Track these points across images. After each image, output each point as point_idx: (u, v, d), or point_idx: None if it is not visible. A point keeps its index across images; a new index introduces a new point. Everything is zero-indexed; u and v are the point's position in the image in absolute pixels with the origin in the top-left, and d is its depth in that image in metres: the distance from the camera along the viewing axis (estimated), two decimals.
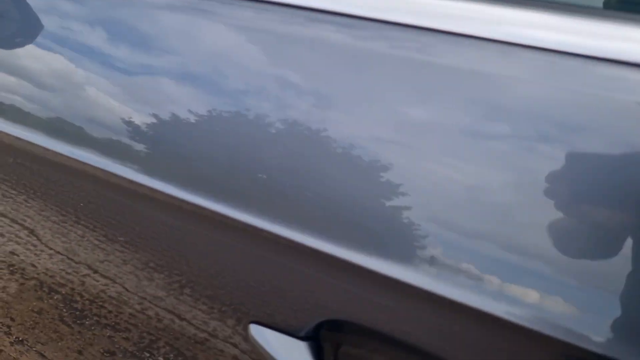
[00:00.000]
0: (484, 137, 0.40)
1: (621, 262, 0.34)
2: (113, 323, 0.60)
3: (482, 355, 0.39)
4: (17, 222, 0.66)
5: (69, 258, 0.62)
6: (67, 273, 0.62)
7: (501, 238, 0.38)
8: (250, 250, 0.47)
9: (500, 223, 0.38)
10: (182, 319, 0.55)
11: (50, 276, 0.64)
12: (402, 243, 0.40)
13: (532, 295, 0.36)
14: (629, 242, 0.34)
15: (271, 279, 0.47)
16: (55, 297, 0.65)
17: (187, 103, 0.50)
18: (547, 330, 0.35)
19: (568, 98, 0.39)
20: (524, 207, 0.37)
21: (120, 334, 0.60)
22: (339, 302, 0.44)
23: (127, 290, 0.58)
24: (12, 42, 0.63)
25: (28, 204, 0.64)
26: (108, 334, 0.61)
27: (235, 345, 0.52)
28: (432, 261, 0.39)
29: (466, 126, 0.40)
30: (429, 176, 0.41)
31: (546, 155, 0.38)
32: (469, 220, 0.39)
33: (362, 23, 0.46)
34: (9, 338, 0.73)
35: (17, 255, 0.67)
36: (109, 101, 0.55)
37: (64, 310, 0.64)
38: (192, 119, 0.49)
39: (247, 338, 0.49)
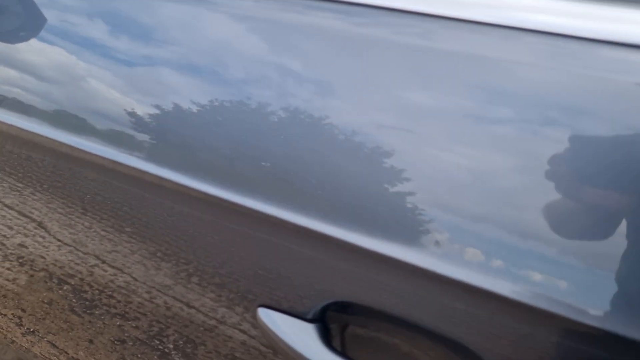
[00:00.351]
0: (486, 121, 0.40)
1: (620, 242, 0.35)
2: (122, 312, 0.61)
3: (485, 332, 0.39)
4: (25, 215, 0.66)
5: (77, 249, 0.62)
6: (75, 264, 0.63)
7: (502, 220, 0.38)
8: (257, 237, 0.48)
9: (502, 206, 0.38)
10: (190, 306, 0.55)
11: (60, 267, 0.65)
12: (405, 225, 0.41)
13: (534, 274, 0.37)
14: (629, 223, 0.35)
15: (278, 264, 0.48)
16: (64, 288, 0.66)
17: (190, 93, 0.50)
18: (548, 307, 0.36)
19: (571, 81, 0.39)
20: (526, 190, 0.38)
21: (130, 322, 0.61)
22: (344, 285, 0.45)
23: (135, 279, 0.59)
24: (16, 36, 0.63)
25: (35, 197, 0.64)
26: (118, 323, 0.62)
27: (243, 332, 0.52)
28: (435, 243, 0.40)
29: (468, 111, 0.41)
30: (430, 161, 0.41)
31: (549, 139, 0.38)
32: (470, 203, 0.39)
33: (361, 10, 0.46)
34: (20, 329, 0.74)
35: (26, 248, 0.68)
36: (114, 92, 0.55)
37: (74, 300, 0.65)
38: (196, 108, 0.50)
39: (255, 322, 0.50)
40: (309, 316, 0.47)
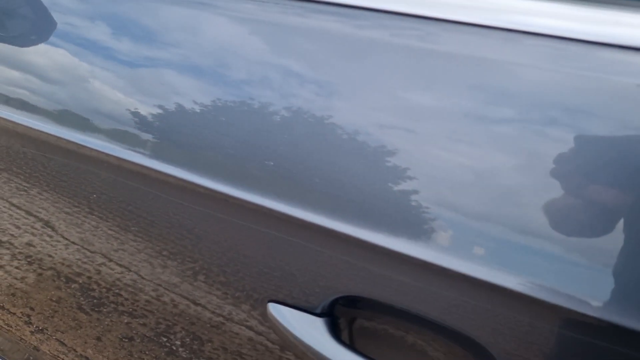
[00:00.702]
0: (487, 121, 0.40)
1: (619, 237, 0.36)
2: (130, 310, 0.62)
3: (489, 324, 0.40)
4: (32, 214, 0.67)
5: (84, 248, 0.63)
6: (83, 262, 0.64)
7: (506, 216, 0.38)
8: (265, 233, 0.48)
9: (504, 203, 0.39)
10: (197, 304, 0.56)
11: (67, 266, 0.66)
12: (411, 221, 0.41)
13: (537, 268, 0.37)
14: (628, 218, 0.35)
15: (286, 260, 0.48)
16: (72, 286, 0.66)
17: (195, 93, 0.51)
18: (551, 299, 0.37)
19: (571, 82, 0.39)
20: (527, 188, 0.38)
21: (138, 320, 0.62)
22: (352, 279, 0.45)
23: (142, 277, 0.59)
24: (24, 39, 0.63)
25: (42, 196, 0.65)
26: (125, 321, 0.63)
27: (250, 328, 0.53)
28: (440, 237, 0.40)
29: (469, 112, 0.41)
30: (433, 159, 0.41)
31: (549, 138, 0.38)
32: (473, 200, 0.39)
33: (362, 13, 0.46)
34: (29, 327, 0.75)
35: (34, 247, 0.68)
36: (120, 93, 0.55)
37: (82, 298, 0.66)
38: (201, 108, 0.50)
39: (265, 317, 0.50)
40: (318, 310, 0.48)
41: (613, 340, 0.36)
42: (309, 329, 0.47)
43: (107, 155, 0.54)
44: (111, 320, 0.64)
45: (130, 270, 0.60)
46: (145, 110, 0.53)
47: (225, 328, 0.55)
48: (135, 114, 0.53)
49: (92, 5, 0.60)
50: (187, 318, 0.57)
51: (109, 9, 0.59)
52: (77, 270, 0.65)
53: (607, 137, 0.37)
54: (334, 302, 0.47)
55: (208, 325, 0.56)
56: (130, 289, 0.61)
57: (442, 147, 0.41)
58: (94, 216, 0.60)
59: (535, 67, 0.40)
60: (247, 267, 0.51)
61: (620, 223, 0.36)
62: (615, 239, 0.36)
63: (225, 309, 0.54)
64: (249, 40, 0.51)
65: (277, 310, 0.49)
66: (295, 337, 0.47)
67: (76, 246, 0.63)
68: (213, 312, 0.55)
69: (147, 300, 0.60)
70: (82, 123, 0.57)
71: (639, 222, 0.36)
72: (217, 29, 0.53)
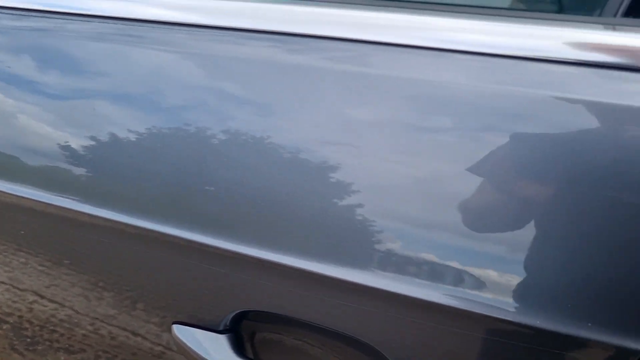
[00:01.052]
0: (420, 132, 0.43)
1: (528, 237, 0.38)
2: (66, 346, 0.60)
3: (387, 329, 0.42)
4: None
5: (13, 287, 0.61)
6: (13, 302, 0.61)
7: (417, 223, 0.41)
8: (178, 260, 0.49)
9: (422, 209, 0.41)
10: (136, 334, 0.55)
11: None
12: (299, 233, 0.43)
13: (449, 275, 0.40)
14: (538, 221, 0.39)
15: (195, 283, 0.49)
16: (4, 327, 0.64)
17: (122, 124, 0.50)
18: (461, 305, 0.39)
19: (496, 94, 0.42)
20: (455, 192, 0.40)
21: (75, 355, 0.60)
22: (250, 295, 0.47)
23: (77, 312, 0.58)
24: None
25: None
26: (62, 357, 0.61)
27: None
28: (329, 249, 0.42)
29: (403, 125, 0.43)
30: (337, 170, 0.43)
31: (475, 146, 0.41)
32: (373, 206, 0.42)
33: (292, 38, 0.48)
34: None
35: None
36: (43, 128, 0.54)
37: (14, 338, 0.64)
38: (139, 135, 0.50)
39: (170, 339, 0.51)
40: (220, 327, 0.49)
41: (525, 339, 0.39)
42: (213, 347, 0.48)
43: (32, 201, 0.53)
44: (47, 359, 0.62)
45: (64, 306, 0.58)
46: (73, 146, 0.52)
47: (167, 357, 0.55)
48: (62, 149, 0.52)
49: (14, 39, 0.58)
50: (128, 349, 0.56)
51: (32, 43, 0.57)
52: (7, 310, 0.62)
53: (534, 142, 0.40)
54: (237, 318, 0.49)
55: (149, 354, 0.55)
56: (65, 324, 0.59)
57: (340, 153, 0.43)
58: (22, 253, 0.58)
59: (464, 82, 0.43)
60: (171, 294, 0.51)
61: (531, 224, 0.38)
62: (535, 240, 0.38)
63: (163, 338, 0.54)
64: (182, 68, 0.51)
65: (181, 331, 0.50)
66: (199, 356, 0.48)
67: (5, 285, 0.61)
68: (152, 342, 0.55)
69: (84, 335, 0.59)
70: (5, 164, 0.55)
71: (554, 223, 0.38)
72: (148, 59, 0.53)
